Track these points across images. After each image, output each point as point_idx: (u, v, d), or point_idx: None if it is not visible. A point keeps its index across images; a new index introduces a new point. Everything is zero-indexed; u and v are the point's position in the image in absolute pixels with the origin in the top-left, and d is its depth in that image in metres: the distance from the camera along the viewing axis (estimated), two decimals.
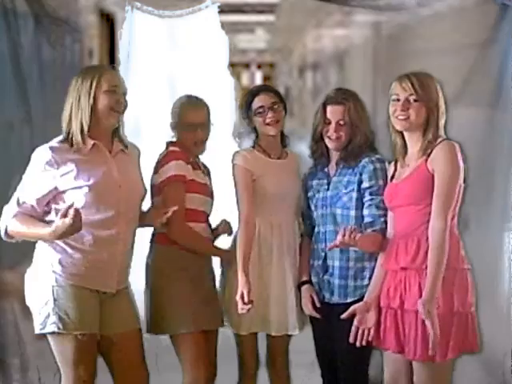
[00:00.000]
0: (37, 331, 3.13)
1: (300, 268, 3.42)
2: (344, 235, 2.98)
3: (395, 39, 7.29)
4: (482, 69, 4.06)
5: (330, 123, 3.30)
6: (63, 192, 3.08)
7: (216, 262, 3.53)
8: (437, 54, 5.02)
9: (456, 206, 3.01)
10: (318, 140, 3.37)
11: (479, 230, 3.19)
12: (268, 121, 3.40)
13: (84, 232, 3.05)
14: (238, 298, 3.21)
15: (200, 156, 3.51)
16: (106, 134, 3.16)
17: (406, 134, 3.08)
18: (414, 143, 3.06)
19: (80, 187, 3.06)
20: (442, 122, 3.04)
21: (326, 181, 3.35)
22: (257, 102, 3.41)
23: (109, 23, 8.32)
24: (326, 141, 3.32)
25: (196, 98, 3.51)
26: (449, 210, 2.95)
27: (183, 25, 4.16)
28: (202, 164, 3.53)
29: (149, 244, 3.46)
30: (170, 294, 3.32)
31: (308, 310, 3.35)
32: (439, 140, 3.00)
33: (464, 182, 3.03)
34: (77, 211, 2.89)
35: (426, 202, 2.98)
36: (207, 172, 3.54)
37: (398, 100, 3.03)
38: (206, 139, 3.47)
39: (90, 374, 3.10)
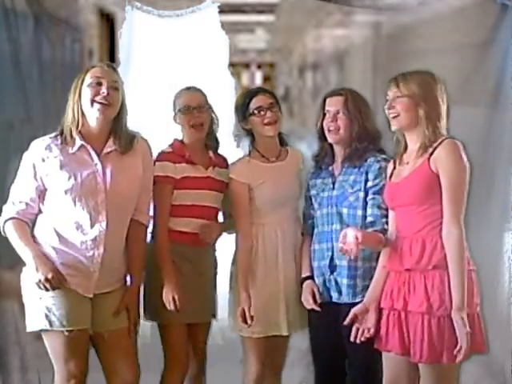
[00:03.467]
0: (28, 329, 3.15)
1: (301, 265, 3.41)
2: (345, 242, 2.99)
3: (395, 39, 7.29)
4: (482, 69, 4.06)
5: (328, 115, 3.30)
6: (46, 190, 3.09)
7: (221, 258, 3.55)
8: (437, 54, 5.02)
9: None
10: (321, 137, 3.36)
11: (479, 230, 3.18)
12: (266, 121, 3.40)
13: (62, 234, 3.08)
14: (238, 314, 3.31)
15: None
16: (97, 133, 3.12)
17: (405, 132, 3.06)
18: (413, 141, 3.03)
19: (60, 187, 3.07)
20: (442, 120, 3.00)
21: (330, 180, 3.34)
22: (255, 103, 3.41)
23: (109, 23, 8.31)
24: (327, 134, 3.30)
25: (192, 86, 3.53)
26: (461, 212, 2.91)
27: (183, 25, 4.15)
28: (214, 156, 3.50)
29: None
30: (158, 286, 3.35)
31: (309, 304, 3.33)
32: (442, 138, 2.97)
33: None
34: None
35: (429, 201, 2.95)
36: (221, 165, 3.50)
37: (388, 100, 3.05)
38: (204, 123, 3.45)
39: (81, 369, 3.11)
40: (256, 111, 3.40)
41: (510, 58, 3.88)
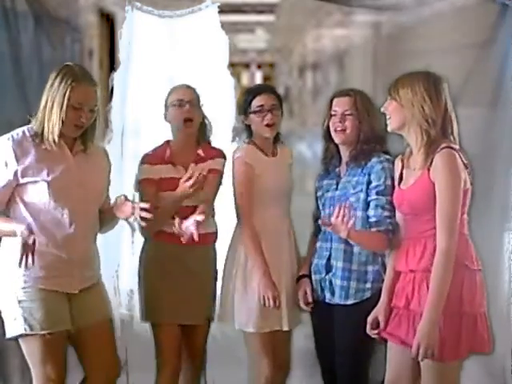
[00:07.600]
0: (7, 335, 3.14)
1: (302, 264, 3.43)
2: (338, 216, 2.98)
3: (395, 39, 7.28)
4: (482, 69, 4.06)
5: (335, 115, 3.29)
6: (25, 184, 3.07)
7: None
8: (437, 54, 5.01)
9: (464, 209, 2.99)
10: (327, 138, 3.35)
11: (479, 230, 3.19)
12: (266, 122, 3.41)
13: (41, 233, 3.06)
14: (266, 301, 3.31)
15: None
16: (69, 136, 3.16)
17: (404, 135, 3.05)
18: (413, 146, 3.03)
19: (39, 182, 3.07)
20: (435, 123, 2.96)
21: (335, 180, 3.34)
22: (258, 101, 3.42)
23: (109, 23, 8.31)
24: (333, 135, 3.30)
25: (185, 83, 3.56)
26: (453, 226, 2.90)
27: (183, 25, 4.15)
28: (204, 153, 3.49)
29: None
30: (149, 286, 3.42)
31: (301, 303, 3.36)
32: (442, 146, 2.95)
33: (471, 184, 3.00)
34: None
35: (431, 212, 2.95)
36: (210, 157, 3.49)
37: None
38: (194, 119, 3.46)
39: (59, 372, 3.11)
40: (257, 110, 3.41)
41: (510, 57, 3.88)
